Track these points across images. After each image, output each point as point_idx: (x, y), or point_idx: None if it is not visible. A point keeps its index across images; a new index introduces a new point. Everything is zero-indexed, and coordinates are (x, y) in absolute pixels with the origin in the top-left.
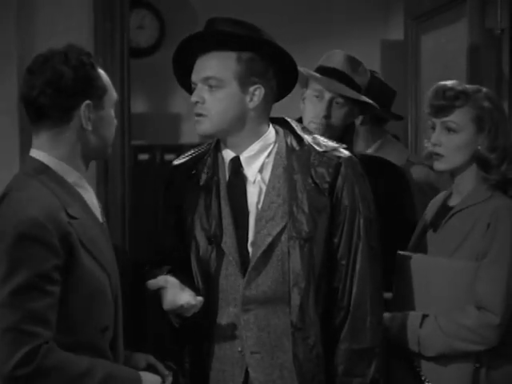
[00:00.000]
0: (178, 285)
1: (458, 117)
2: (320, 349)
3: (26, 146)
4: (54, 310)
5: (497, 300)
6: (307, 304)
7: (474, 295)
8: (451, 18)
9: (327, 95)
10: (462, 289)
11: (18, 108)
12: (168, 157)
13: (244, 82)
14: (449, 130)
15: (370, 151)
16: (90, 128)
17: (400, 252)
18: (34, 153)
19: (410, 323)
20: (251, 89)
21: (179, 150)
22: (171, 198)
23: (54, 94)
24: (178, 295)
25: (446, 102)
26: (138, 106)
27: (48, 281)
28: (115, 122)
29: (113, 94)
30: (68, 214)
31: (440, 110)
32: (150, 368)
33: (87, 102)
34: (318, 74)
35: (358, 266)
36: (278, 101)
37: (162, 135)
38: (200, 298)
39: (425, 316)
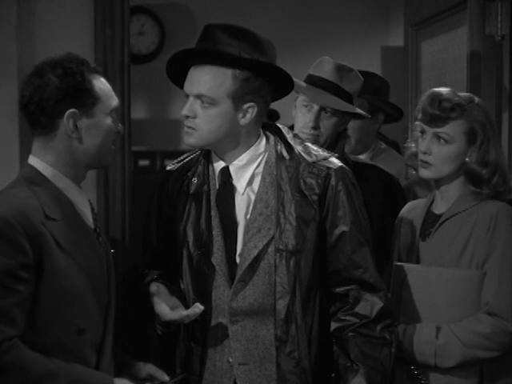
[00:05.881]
0: (168, 294)
1: (452, 129)
2: (307, 363)
3: (25, 151)
4: (21, 308)
5: (507, 307)
6: (293, 317)
7: (484, 303)
8: (451, 24)
9: (316, 105)
10: (468, 297)
11: (18, 113)
12: (168, 163)
13: (238, 101)
14: (440, 140)
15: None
16: (76, 136)
17: (397, 263)
18: (30, 158)
19: (424, 336)
20: (245, 106)
21: (179, 156)
22: (163, 204)
23: (40, 102)
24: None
25: (440, 113)
26: (139, 112)
27: (14, 279)
28: (117, 128)
29: (109, 102)
30: (46, 215)
31: (434, 120)
32: (150, 378)
33: (71, 110)
34: (304, 84)
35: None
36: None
37: (162, 141)
38: (196, 310)
39: (438, 327)
